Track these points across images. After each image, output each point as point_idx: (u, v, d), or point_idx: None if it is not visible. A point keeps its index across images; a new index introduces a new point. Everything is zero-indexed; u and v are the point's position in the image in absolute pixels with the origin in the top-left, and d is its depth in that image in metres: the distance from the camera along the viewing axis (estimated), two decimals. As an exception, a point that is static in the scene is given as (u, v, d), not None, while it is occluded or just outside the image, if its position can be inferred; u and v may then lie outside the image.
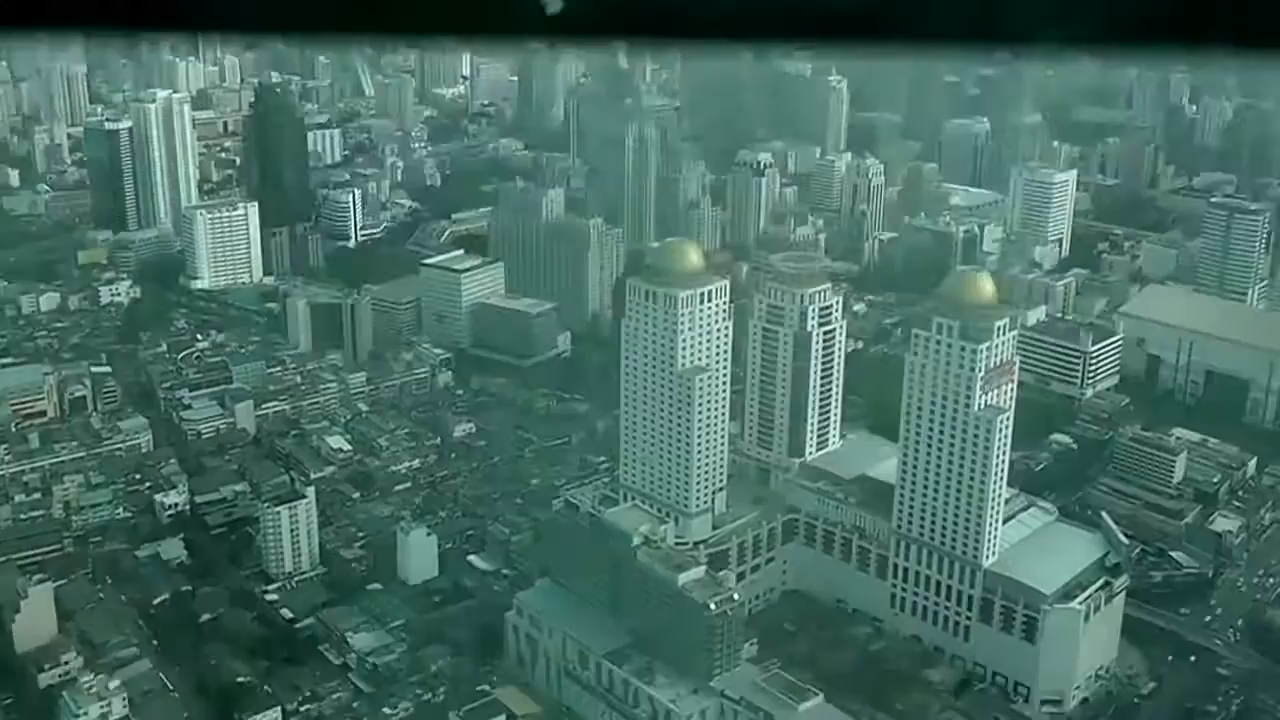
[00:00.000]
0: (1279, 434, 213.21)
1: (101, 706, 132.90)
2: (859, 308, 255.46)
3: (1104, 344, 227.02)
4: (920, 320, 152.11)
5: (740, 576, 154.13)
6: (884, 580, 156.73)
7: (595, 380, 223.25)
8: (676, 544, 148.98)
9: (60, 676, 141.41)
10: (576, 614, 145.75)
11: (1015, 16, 11.26)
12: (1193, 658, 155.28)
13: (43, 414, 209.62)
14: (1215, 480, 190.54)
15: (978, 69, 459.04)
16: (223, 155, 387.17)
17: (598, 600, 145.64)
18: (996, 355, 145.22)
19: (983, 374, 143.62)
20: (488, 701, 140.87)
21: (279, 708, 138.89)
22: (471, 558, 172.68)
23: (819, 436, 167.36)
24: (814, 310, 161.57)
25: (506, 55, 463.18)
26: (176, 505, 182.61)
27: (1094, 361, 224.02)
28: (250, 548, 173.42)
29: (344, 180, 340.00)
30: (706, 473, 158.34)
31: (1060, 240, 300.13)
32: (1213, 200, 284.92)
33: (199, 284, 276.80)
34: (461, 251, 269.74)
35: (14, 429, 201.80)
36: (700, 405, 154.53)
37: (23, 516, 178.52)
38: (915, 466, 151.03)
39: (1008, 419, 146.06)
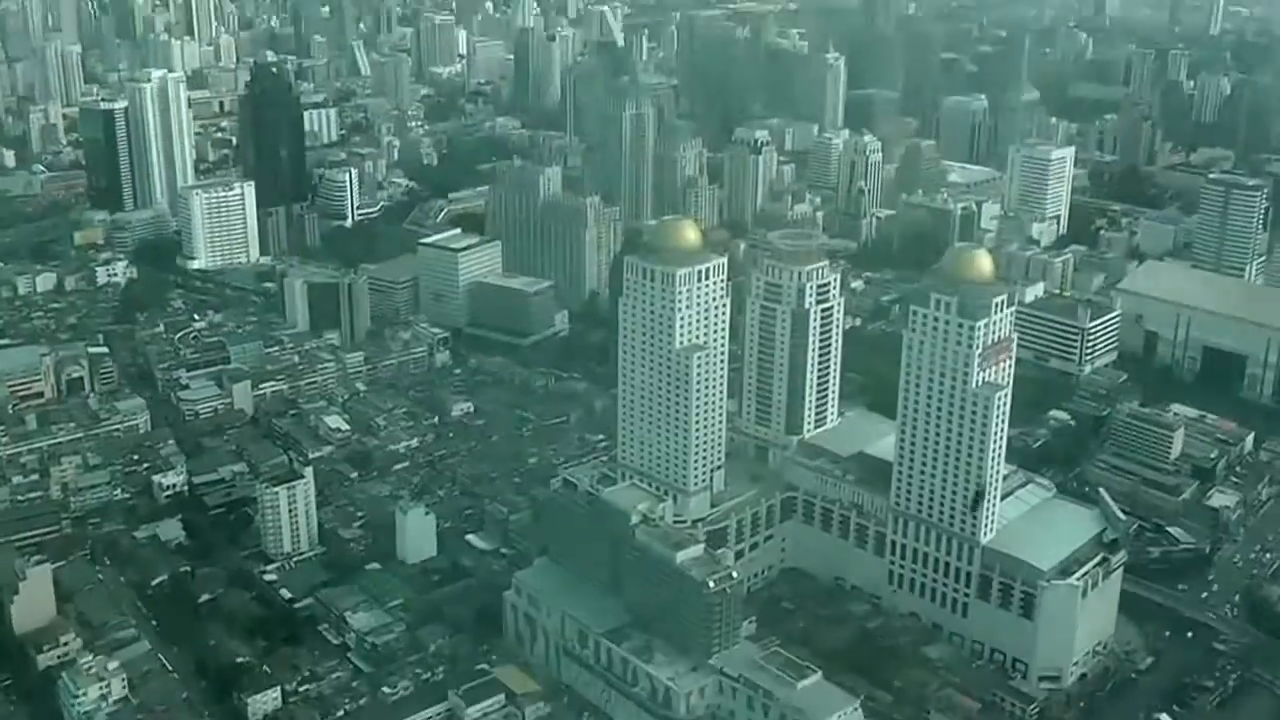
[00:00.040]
0: (1276, 409, 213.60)
1: (101, 687, 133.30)
2: (857, 285, 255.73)
3: (1102, 320, 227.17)
4: (918, 297, 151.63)
5: (739, 554, 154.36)
6: (882, 557, 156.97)
7: (593, 358, 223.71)
8: (675, 522, 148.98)
9: (59, 658, 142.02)
10: (575, 592, 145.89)
11: None
12: (1190, 633, 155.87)
13: (40, 395, 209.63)
14: (1213, 456, 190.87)
15: (976, 46, 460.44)
16: (219, 135, 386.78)
17: (596, 579, 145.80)
18: (994, 332, 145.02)
19: (980, 350, 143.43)
20: (487, 680, 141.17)
21: (278, 687, 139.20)
22: (470, 537, 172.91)
23: (817, 414, 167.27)
24: (812, 288, 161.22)
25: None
26: (174, 486, 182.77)
27: (1092, 338, 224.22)
28: (249, 528, 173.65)
29: (340, 159, 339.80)
30: (705, 451, 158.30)
31: (1058, 217, 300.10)
32: (1210, 176, 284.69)
33: (196, 264, 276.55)
34: (459, 230, 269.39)
35: (11, 410, 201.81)
36: (698, 383, 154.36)
37: (20, 498, 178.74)
38: (913, 443, 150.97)
39: (1006, 395, 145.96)
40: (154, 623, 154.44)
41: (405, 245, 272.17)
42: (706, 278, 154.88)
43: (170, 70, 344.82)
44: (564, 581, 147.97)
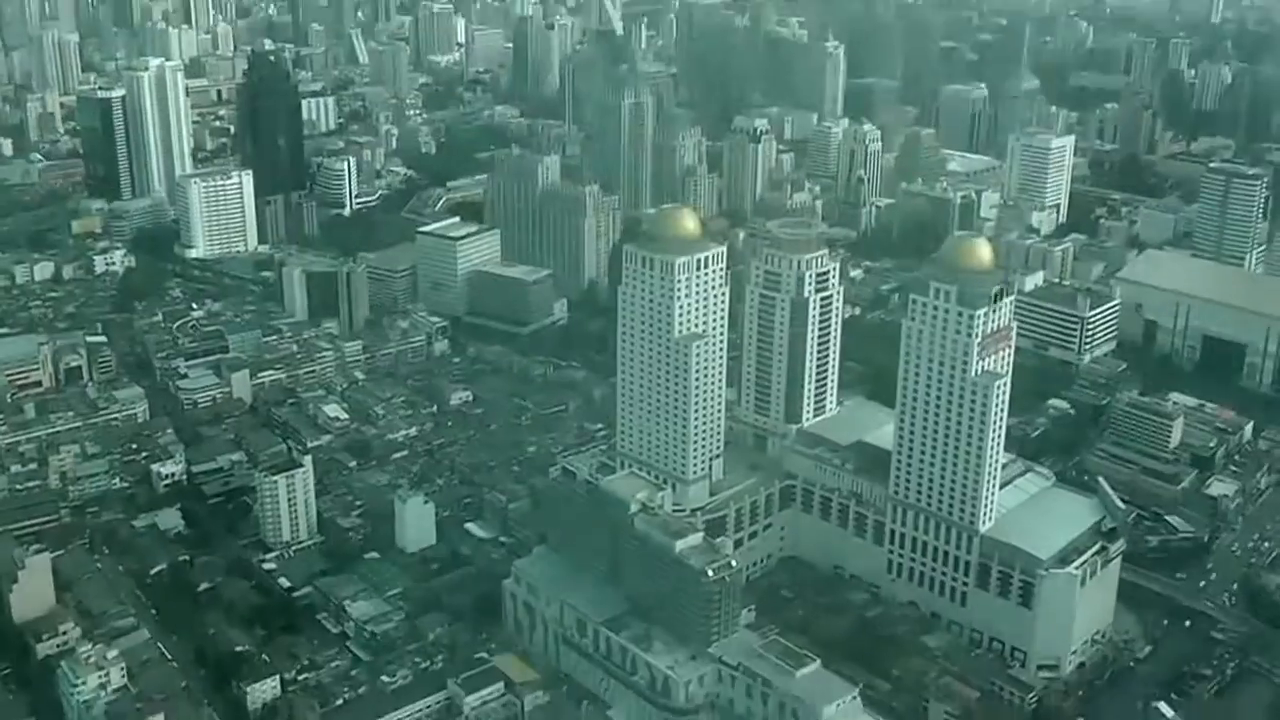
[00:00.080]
0: (1276, 398, 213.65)
1: (100, 676, 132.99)
2: (856, 274, 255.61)
3: (1101, 309, 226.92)
4: (917, 286, 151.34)
5: (738, 543, 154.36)
6: (881, 546, 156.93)
7: (592, 347, 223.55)
8: (674, 511, 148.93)
9: (58, 646, 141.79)
10: (574, 581, 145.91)
11: None
12: (1188, 622, 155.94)
13: (38, 384, 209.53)
14: (1212, 445, 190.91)
15: (976, 34, 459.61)
16: (216, 124, 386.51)
17: (595, 567, 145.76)
18: (994, 321, 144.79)
19: (980, 339, 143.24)
20: (486, 669, 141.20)
21: (277, 676, 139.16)
22: (469, 525, 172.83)
23: (816, 402, 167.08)
24: (811, 276, 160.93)
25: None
26: (173, 475, 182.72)
27: (1091, 327, 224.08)
28: (248, 517, 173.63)
29: (339, 148, 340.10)
30: (704, 439, 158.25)
31: (1058, 206, 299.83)
32: (1211, 165, 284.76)
33: (194, 253, 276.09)
34: (457, 219, 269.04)
35: (9, 399, 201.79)
36: (697, 372, 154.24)
37: (19, 487, 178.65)
38: (912, 432, 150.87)
39: (1005, 384, 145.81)
40: (153, 612, 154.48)
41: (404, 234, 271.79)
42: (705, 266, 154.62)
43: (168, 59, 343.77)
44: (563, 570, 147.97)
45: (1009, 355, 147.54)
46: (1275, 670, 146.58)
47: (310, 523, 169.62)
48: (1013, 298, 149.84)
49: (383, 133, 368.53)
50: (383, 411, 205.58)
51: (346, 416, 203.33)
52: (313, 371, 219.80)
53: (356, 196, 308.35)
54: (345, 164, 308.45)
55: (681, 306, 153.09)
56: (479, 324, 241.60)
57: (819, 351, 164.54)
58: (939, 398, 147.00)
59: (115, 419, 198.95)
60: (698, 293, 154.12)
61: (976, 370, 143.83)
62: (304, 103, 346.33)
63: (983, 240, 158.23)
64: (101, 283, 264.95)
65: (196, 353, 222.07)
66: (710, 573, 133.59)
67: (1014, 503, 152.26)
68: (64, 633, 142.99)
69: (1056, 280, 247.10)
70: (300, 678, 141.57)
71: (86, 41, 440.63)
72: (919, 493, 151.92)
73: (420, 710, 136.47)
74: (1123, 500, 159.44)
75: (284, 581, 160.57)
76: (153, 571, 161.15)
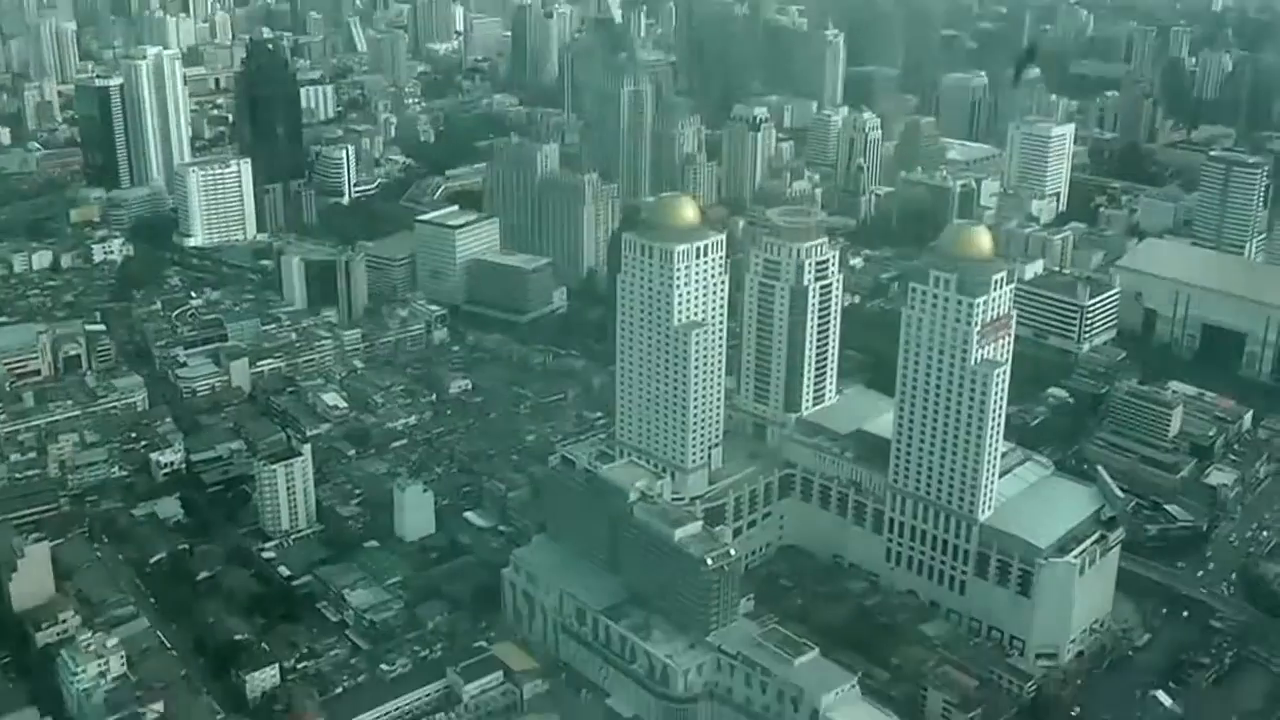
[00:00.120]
0: (1275, 387, 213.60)
1: (99, 664, 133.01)
2: (856, 262, 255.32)
3: (1101, 298, 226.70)
4: (917, 274, 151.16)
5: (737, 532, 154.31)
6: (880, 534, 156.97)
7: (591, 336, 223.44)
8: (673, 499, 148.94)
9: (58, 635, 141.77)
10: (573, 570, 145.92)
11: None
12: (1187, 611, 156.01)
13: (37, 373, 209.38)
14: (1211, 434, 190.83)
15: (976, 22, 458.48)
16: (215, 112, 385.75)
17: (594, 556, 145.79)
18: (993, 309, 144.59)
19: (979, 328, 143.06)
20: (485, 657, 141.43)
21: (276, 664, 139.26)
22: (468, 514, 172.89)
23: (815, 391, 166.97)
24: (810, 265, 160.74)
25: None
26: (172, 463, 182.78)
27: (1091, 315, 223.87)
28: (247, 505, 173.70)
29: (337, 136, 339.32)
30: (703, 428, 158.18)
31: (1058, 194, 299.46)
32: (1211, 154, 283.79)
33: (192, 241, 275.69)
34: (456, 207, 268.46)
35: (8, 388, 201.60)
36: (696, 360, 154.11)
37: (18, 475, 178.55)
38: (912, 421, 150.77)
39: (1004, 373, 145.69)
40: (152, 600, 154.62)
41: (403, 222, 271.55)
42: (705, 254, 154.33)
43: (166, 47, 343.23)
44: (562, 559, 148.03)
45: (1008, 344, 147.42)
46: (1273, 659, 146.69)
47: (309, 511, 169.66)
48: (1012, 286, 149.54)
49: (381, 121, 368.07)
50: (382, 400, 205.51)
51: (345, 405, 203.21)
52: (312, 360, 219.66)
53: (355, 185, 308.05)
54: (344, 152, 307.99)
55: (681, 295, 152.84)
56: (478, 312, 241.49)
57: (818, 340, 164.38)
58: (939, 386, 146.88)
59: (114, 408, 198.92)
60: (697, 281, 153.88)
61: (976, 359, 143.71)
62: (302, 91, 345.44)
63: (982, 229, 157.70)
64: (100, 271, 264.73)
65: (195, 341, 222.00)
66: (709, 561, 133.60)
67: (1013, 491, 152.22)
68: (63, 621, 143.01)
69: (1056, 269, 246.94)
70: (299, 666, 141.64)
71: (84, 30, 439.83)
72: (918, 481, 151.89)
73: (419, 699, 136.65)
74: (1122, 489, 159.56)
75: (283, 570, 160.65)
76: (152, 560, 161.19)
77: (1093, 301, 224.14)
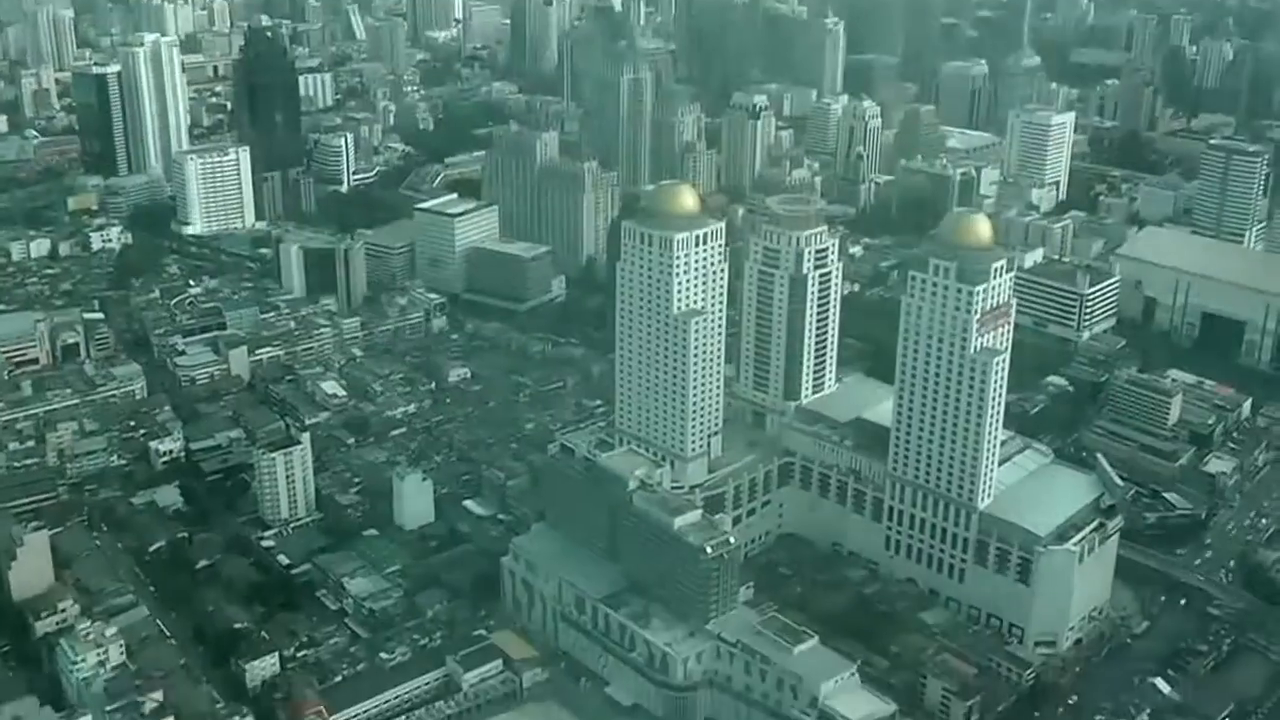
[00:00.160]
0: (1274, 375, 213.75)
1: (99, 653, 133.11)
2: (855, 250, 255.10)
3: (1101, 286, 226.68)
4: (917, 262, 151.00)
5: (736, 520, 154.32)
6: (880, 523, 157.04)
7: (590, 324, 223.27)
8: (672, 487, 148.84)
9: (57, 624, 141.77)
10: (572, 558, 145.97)
11: None
12: (1185, 598, 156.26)
13: (35, 361, 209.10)
14: (1210, 421, 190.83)
15: (976, 11, 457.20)
16: (213, 100, 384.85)
17: (594, 544, 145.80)
18: (993, 297, 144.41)
19: (979, 316, 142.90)
20: (484, 646, 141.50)
21: (276, 653, 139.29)
22: (467, 502, 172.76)
23: (815, 379, 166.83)
24: (810, 253, 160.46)
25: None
26: (171, 452, 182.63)
27: (1090, 304, 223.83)
28: (246, 494, 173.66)
29: (336, 124, 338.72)
30: (702, 416, 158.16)
31: (1058, 183, 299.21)
32: (1211, 142, 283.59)
33: (191, 229, 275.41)
34: (455, 195, 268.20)
35: (6, 376, 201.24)
36: (696, 349, 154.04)
37: (17, 464, 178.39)
38: (911, 409, 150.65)
39: (1004, 361, 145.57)
40: (152, 589, 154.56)
41: (402, 210, 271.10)
42: (704, 242, 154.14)
43: (163, 34, 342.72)
44: (561, 547, 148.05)
45: (1008, 332, 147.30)
46: (1271, 646, 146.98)
47: (309, 500, 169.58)
48: (1012, 274, 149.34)
49: (380, 109, 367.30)
50: (381, 388, 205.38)
51: (344, 393, 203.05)
52: (311, 348, 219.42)
53: (354, 173, 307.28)
54: (343, 140, 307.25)
55: (680, 283, 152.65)
56: (477, 301, 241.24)
57: (818, 328, 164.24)
58: (938, 374, 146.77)
59: (113, 396, 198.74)
60: (696, 269, 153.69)
61: (976, 347, 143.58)
62: (301, 79, 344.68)
63: (982, 217, 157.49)
64: (98, 259, 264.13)
65: (194, 329, 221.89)
66: (709, 550, 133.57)
67: (1012, 479, 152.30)
68: (63, 610, 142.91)
69: (1056, 257, 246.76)
70: (299, 655, 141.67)
71: (81, 17, 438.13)
72: (918, 469, 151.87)
73: (419, 687, 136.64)
74: (1121, 477, 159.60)
75: (282, 559, 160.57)
76: (151, 549, 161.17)
77: (1092, 290, 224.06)
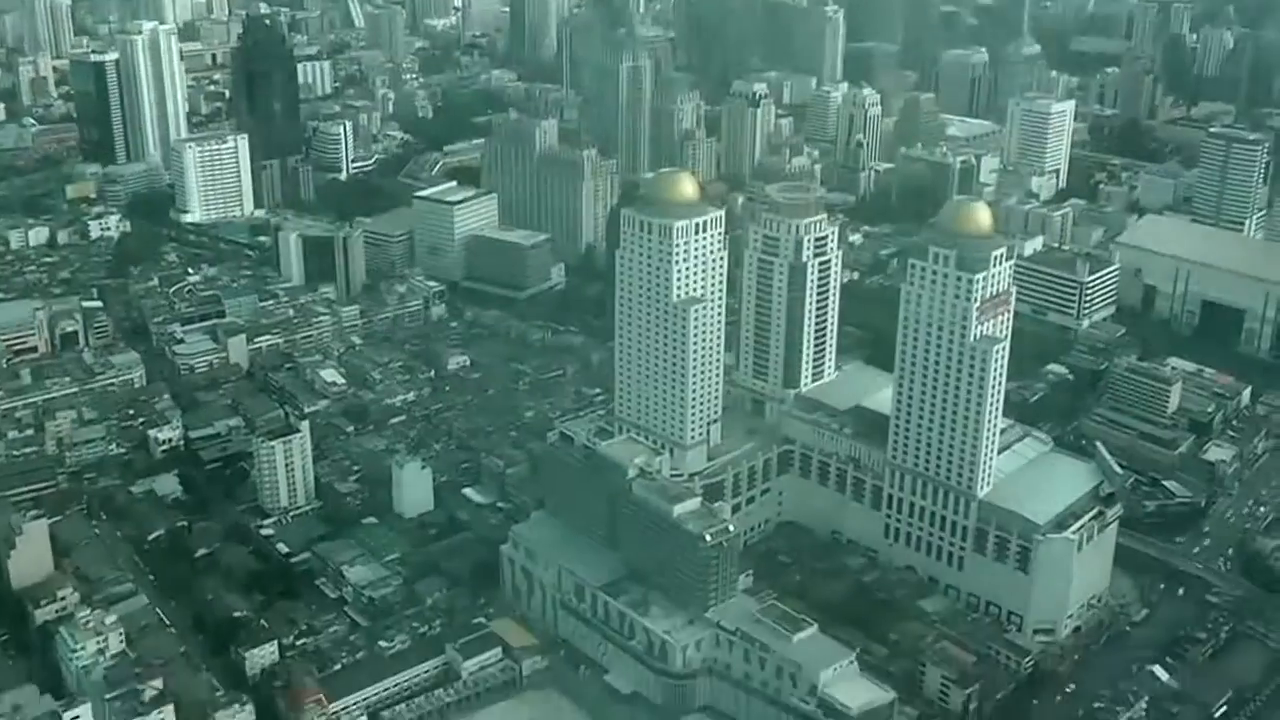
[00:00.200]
0: (1274, 364, 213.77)
1: (98, 641, 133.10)
2: (855, 238, 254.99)
3: (1101, 274, 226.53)
4: (917, 250, 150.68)
5: (736, 508, 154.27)
6: (879, 511, 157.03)
7: (590, 312, 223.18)
8: (672, 475, 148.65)
9: (57, 612, 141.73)
10: (572, 546, 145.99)
11: None
12: (1183, 586, 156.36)
13: (34, 349, 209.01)
14: (1210, 410, 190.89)
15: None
16: (211, 88, 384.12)
17: (593, 532, 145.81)
18: (993, 285, 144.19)
19: (979, 304, 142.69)
20: (484, 634, 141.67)
21: (275, 641, 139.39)
22: (467, 490, 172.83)
23: (814, 367, 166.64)
24: (810, 241, 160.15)
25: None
26: (170, 440, 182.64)
27: (1090, 292, 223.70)
28: (245, 482, 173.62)
29: (335, 112, 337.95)
30: (702, 404, 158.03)
31: (1058, 171, 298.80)
32: (1211, 130, 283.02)
33: (189, 217, 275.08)
34: (454, 183, 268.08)
35: (5, 365, 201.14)
36: (695, 337, 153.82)
37: (16, 453, 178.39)
38: (911, 397, 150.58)
39: (1004, 349, 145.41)
40: (151, 577, 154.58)
41: (400, 198, 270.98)
42: (704, 230, 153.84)
43: (161, 22, 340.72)
44: (561, 535, 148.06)
45: (1008, 320, 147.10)
46: (1269, 634, 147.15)
47: (308, 488, 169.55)
48: (1012, 262, 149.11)
49: (379, 97, 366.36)
50: (380, 376, 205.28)
51: (344, 381, 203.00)
52: (310, 336, 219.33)
53: (353, 161, 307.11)
54: (341, 128, 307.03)
55: (679, 270, 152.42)
56: (476, 289, 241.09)
57: (817, 316, 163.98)
58: (938, 362, 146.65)
59: (112, 384, 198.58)
60: (696, 257, 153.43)
61: (975, 335, 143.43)
62: (299, 66, 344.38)
63: (982, 205, 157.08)
64: (97, 248, 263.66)
65: (193, 318, 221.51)
66: (708, 537, 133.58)
67: (1012, 467, 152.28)
68: (62, 598, 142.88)
69: (1056, 245, 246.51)
70: (298, 643, 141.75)
71: (79, 4, 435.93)
72: (917, 457, 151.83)
73: (418, 675, 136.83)
74: (1120, 465, 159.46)
75: (282, 547, 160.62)
76: (150, 537, 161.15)
77: (1092, 278, 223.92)
